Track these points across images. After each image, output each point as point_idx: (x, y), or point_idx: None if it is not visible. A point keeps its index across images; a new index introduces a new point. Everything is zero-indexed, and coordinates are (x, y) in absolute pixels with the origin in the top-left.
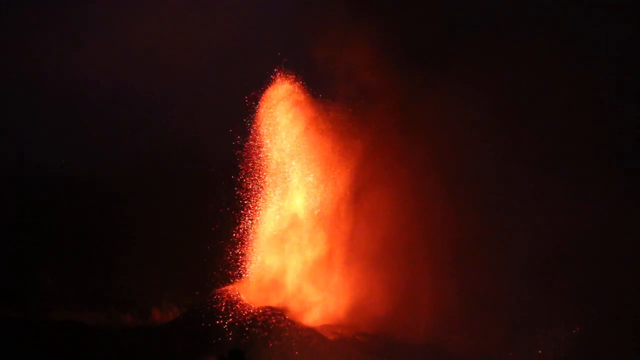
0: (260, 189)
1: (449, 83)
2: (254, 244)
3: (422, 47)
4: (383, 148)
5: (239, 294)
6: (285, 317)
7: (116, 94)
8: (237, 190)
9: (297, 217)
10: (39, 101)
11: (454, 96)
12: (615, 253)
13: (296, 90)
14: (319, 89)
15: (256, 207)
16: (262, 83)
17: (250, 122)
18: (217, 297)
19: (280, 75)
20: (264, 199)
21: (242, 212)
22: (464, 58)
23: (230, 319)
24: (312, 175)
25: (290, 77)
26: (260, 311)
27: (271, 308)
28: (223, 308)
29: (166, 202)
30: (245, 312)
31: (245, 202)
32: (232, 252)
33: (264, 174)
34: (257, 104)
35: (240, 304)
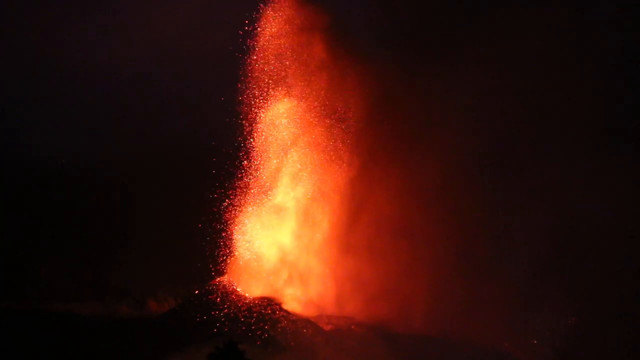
0: (256, 177)
1: (453, 71)
2: (250, 233)
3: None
4: (384, 135)
5: (234, 285)
6: (280, 308)
7: (110, 84)
8: (233, 180)
9: (294, 205)
10: (38, 94)
11: (459, 84)
12: (612, 246)
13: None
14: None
15: (252, 196)
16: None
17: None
18: (212, 288)
19: None
20: (260, 187)
21: (238, 201)
22: (469, 48)
23: (226, 310)
24: (308, 164)
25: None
26: (256, 302)
27: (267, 299)
28: (218, 299)
29: (162, 192)
30: (241, 303)
31: (241, 192)
32: (227, 242)
33: (261, 161)
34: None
35: (235, 294)
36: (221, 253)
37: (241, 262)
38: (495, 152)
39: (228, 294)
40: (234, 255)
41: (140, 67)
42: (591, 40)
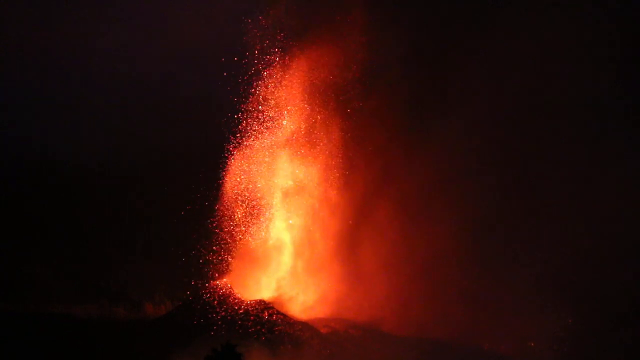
0: (256, 181)
1: (460, 76)
2: (248, 237)
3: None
4: (385, 138)
5: (231, 288)
6: (277, 311)
7: (113, 88)
8: (232, 185)
9: (294, 210)
10: (39, 94)
11: (464, 89)
12: (609, 249)
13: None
14: None
15: (252, 199)
16: None
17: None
18: (209, 291)
19: None
20: (261, 190)
21: (237, 205)
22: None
23: (223, 313)
24: (310, 171)
25: None
26: (253, 305)
27: (264, 302)
28: (216, 302)
29: (160, 196)
30: (238, 306)
31: (240, 196)
32: (225, 246)
33: (262, 167)
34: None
35: (232, 298)
36: (219, 256)
37: (239, 266)
38: (497, 157)
39: (225, 297)
40: (232, 258)
41: (141, 67)
42: (595, 40)
